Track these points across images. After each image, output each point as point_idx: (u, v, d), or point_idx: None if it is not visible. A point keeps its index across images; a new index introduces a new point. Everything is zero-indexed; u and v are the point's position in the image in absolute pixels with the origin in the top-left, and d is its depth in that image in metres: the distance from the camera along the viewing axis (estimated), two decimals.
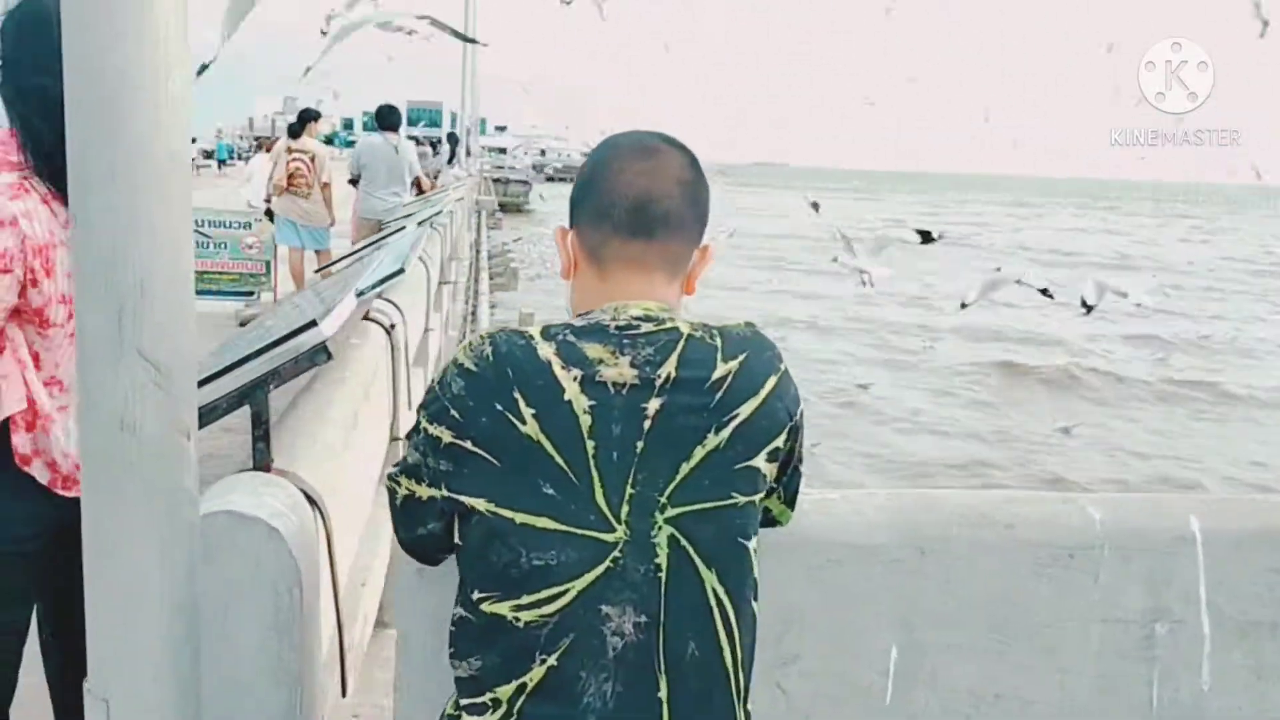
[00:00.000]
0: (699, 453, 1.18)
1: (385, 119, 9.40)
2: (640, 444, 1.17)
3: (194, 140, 27.82)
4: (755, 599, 1.25)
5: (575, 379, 1.17)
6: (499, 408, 1.16)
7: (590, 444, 1.16)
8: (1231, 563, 1.71)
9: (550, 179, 53.14)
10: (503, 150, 61.28)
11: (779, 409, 1.24)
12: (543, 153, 67.78)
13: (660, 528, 1.17)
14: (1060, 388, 15.42)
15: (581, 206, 1.31)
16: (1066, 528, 1.70)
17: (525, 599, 1.16)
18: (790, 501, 1.42)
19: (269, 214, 9.35)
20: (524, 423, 1.16)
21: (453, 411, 1.19)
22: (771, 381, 1.24)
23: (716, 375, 1.20)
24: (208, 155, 42.79)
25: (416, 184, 9.71)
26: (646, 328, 1.21)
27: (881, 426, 12.73)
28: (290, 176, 9.14)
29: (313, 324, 1.65)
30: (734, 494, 1.20)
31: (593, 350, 1.19)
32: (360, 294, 3.10)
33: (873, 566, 1.64)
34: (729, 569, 1.20)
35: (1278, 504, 1.89)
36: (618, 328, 1.21)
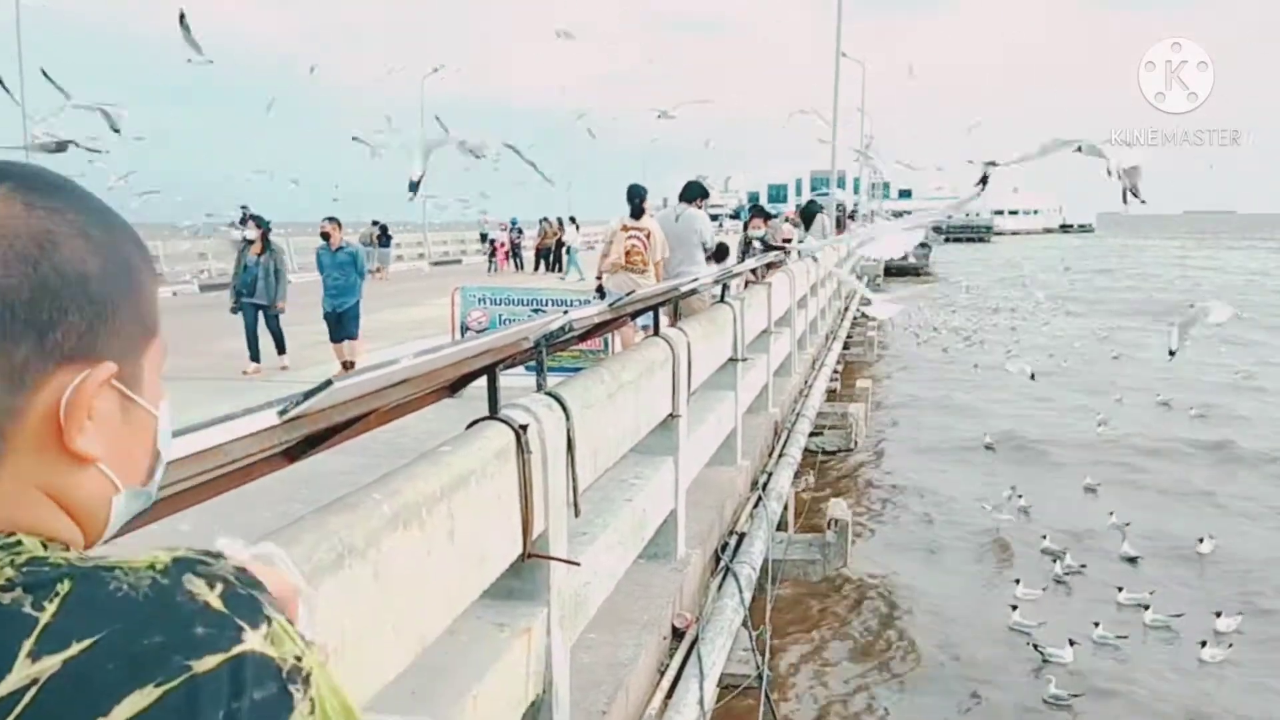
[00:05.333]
0: None
1: (683, 193, 9.85)
2: None
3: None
4: None
5: None
6: None
7: None
8: None
9: (949, 240, 51.56)
10: (905, 213, 61.12)
11: None
12: (949, 215, 66.35)
13: None
14: None
15: None
16: None
17: None
18: None
19: (599, 290, 9.93)
20: None
21: None
22: (135, 702, 0.62)
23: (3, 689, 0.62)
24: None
25: (719, 254, 10.02)
26: None
27: None
28: (627, 254, 9.72)
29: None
30: None
31: None
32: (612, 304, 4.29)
33: None
34: None
35: None
36: None
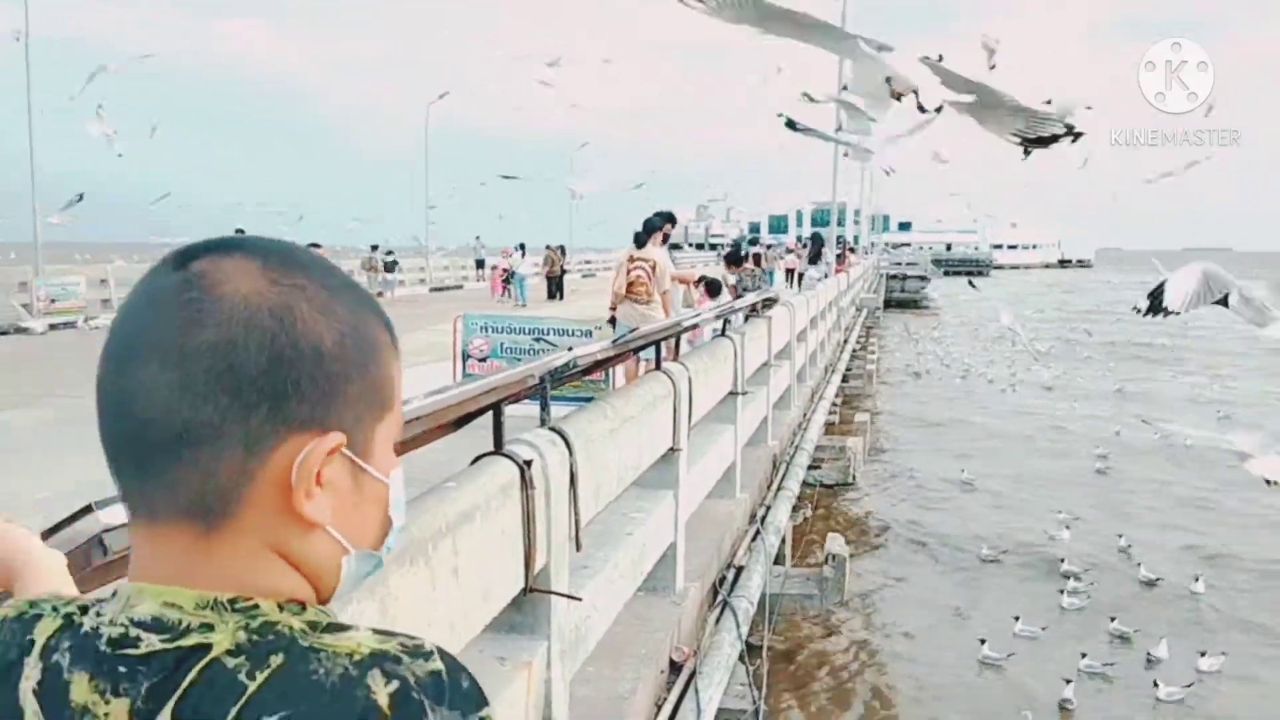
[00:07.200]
0: None
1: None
2: None
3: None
4: None
5: None
6: None
7: None
8: None
9: (948, 273, 51.71)
10: (904, 246, 61.47)
11: None
12: (948, 247, 66.69)
13: None
14: None
15: None
16: None
17: None
18: None
19: (612, 321, 9.96)
20: None
21: None
22: None
23: None
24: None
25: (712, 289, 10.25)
26: (152, 643, 0.72)
27: None
28: (630, 284, 9.77)
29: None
30: None
31: (80, 688, 0.73)
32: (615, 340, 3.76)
33: None
34: None
35: None
36: (110, 642, 0.73)
